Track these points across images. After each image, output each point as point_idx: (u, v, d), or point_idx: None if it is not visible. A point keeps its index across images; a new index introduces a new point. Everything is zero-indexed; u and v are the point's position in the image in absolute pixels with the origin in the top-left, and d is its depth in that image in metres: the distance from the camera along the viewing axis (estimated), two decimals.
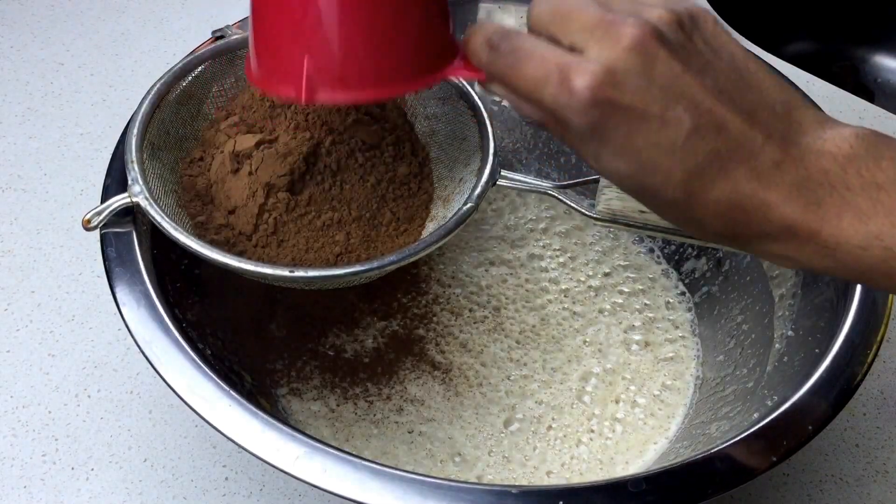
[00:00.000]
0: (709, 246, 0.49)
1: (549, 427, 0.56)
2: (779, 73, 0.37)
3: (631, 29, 0.33)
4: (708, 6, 0.82)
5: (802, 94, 0.36)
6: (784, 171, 0.34)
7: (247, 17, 0.59)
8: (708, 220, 0.35)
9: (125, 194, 0.47)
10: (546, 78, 0.34)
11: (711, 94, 0.34)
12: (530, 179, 0.52)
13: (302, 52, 0.35)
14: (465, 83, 0.54)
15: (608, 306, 0.62)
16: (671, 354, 0.60)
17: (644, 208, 0.49)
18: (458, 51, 0.38)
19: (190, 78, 0.53)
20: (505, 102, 0.37)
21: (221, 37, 0.55)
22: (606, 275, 0.64)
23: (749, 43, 0.75)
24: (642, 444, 0.55)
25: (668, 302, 0.63)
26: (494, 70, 0.37)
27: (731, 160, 0.34)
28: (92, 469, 0.54)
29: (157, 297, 0.46)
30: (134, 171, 0.48)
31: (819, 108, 0.37)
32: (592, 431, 0.56)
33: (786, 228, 0.34)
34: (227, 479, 0.54)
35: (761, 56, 0.61)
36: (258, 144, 0.51)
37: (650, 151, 0.34)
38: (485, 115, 0.53)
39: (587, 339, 0.60)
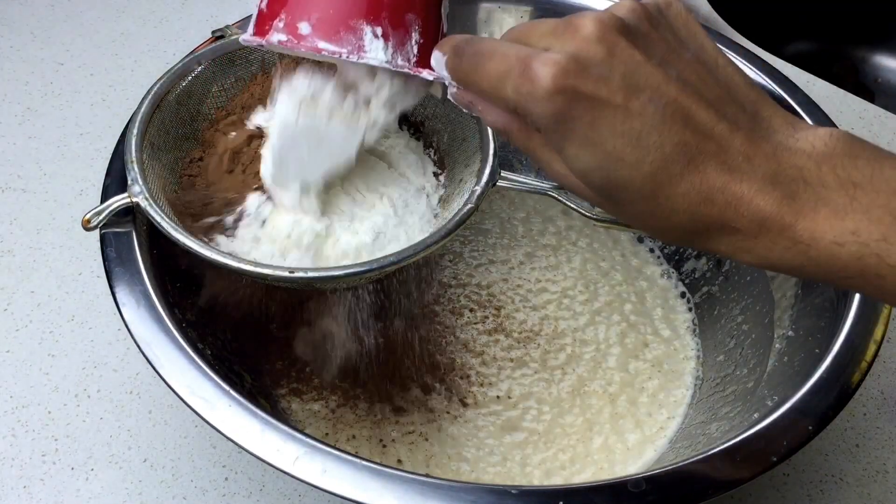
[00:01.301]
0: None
1: (549, 427, 0.56)
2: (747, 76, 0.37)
3: (592, 22, 0.34)
4: (707, 5, 0.82)
5: (772, 100, 0.37)
6: (756, 165, 0.34)
7: (246, 17, 0.60)
8: (676, 216, 0.35)
9: (125, 194, 0.47)
10: (508, 72, 0.35)
11: (675, 85, 0.34)
12: (530, 180, 0.52)
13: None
14: None
15: (608, 306, 0.62)
16: (671, 354, 0.60)
17: None
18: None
19: (190, 78, 0.53)
20: (473, 114, 0.39)
21: (221, 37, 0.55)
22: (606, 275, 0.64)
23: (749, 43, 0.75)
24: (642, 444, 0.55)
25: (668, 302, 0.63)
26: (458, 73, 0.38)
27: (701, 152, 0.34)
28: (92, 469, 0.54)
29: (157, 297, 0.46)
30: (134, 171, 0.48)
31: (789, 113, 0.36)
32: (592, 431, 0.56)
33: (758, 222, 0.34)
34: (227, 479, 0.54)
35: (761, 56, 0.61)
36: (250, 139, 0.51)
37: (615, 142, 0.34)
38: None
39: (587, 339, 0.60)
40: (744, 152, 0.34)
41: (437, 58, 0.40)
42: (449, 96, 0.40)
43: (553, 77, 0.33)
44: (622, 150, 0.34)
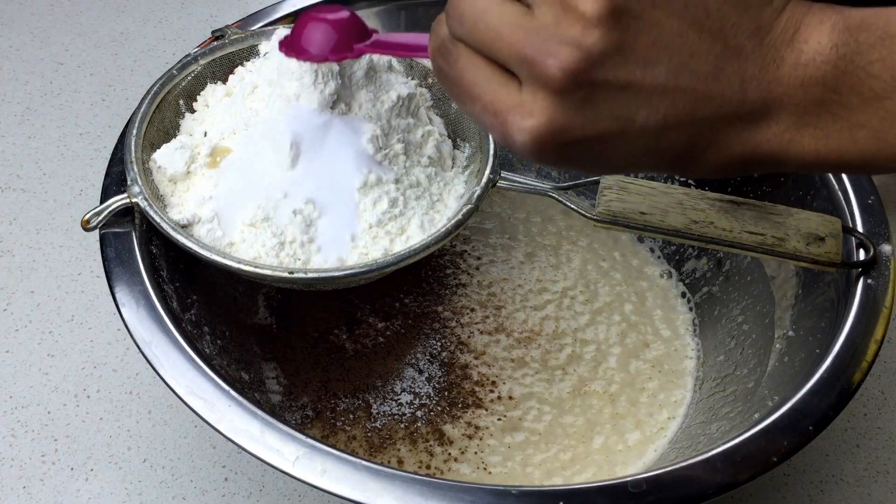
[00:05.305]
0: (709, 247, 0.49)
1: (550, 427, 0.56)
2: None
3: (557, 63, 0.30)
4: None
5: None
6: (776, 115, 0.33)
7: (246, 17, 0.60)
8: (708, 171, 0.35)
9: (124, 195, 0.47)
10: (488, 121, 0.33)
11: (667, 82, 0.32)
12: (530, 181, 0.52)
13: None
14: None
15: (608, 306, 0.62)
16: (671, 355, 0.60)
17: (645, 210, 0.49)
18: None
19: (189, 78, 0.53)
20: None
21: (221, 36, 0.55)
22: (606, 275, 0.64)
23: None
24: (642, 444, 0.55)
25: (669, 302, 0.63)
26: (445, 84, 0.35)
27: (714, 129, 0.33)
28: (91, 469, 0.54)
29: (157, 297, 0.46)
30: (133, 172, 0.48)
31: None
32: (593, 431, 0.56)
33: (766, 155, 0.34)
34: (226, 479, 0.54)
35: None
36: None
37: (626, 159, 0.33)
38: None
39: (587, 339, 0.60)
40: (760, 106, 0.32)
41: (432, 52, 0.36)
42: None
43: (533, 143, 0.32)
44: (636, 160, 0.33)
